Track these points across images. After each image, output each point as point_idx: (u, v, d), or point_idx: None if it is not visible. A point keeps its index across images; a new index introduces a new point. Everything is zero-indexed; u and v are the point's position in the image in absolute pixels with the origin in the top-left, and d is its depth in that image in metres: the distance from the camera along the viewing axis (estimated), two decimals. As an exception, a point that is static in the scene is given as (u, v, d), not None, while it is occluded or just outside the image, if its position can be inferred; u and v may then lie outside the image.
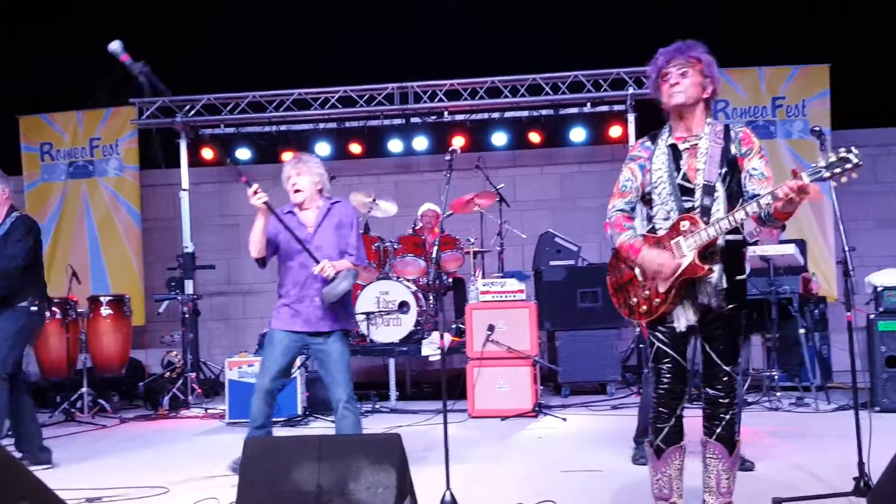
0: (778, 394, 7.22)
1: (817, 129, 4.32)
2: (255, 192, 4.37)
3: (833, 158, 3.15)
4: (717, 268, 3.39)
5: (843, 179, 3.17)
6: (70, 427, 7.38)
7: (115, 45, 4.22)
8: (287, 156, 10.09)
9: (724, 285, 3.40)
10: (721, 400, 3.50)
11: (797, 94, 9.47)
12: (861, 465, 4.04)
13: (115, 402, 8.33)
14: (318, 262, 4.44)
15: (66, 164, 10.19)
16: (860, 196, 9.64)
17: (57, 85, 10.42)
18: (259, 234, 4.48)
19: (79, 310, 8.21)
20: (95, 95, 10.40)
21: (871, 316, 6.81)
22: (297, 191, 4.59)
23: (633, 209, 3.56)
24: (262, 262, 4.60)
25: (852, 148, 3.16)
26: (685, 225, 3.36)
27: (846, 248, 4.15)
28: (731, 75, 9.43)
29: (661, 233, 3.44)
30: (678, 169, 3.44)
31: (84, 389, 7.84)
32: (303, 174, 4.58)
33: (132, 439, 6.83)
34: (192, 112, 9.72)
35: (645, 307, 3.48)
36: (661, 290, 3.41)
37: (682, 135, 3.49)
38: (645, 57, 3.58)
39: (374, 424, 6.78)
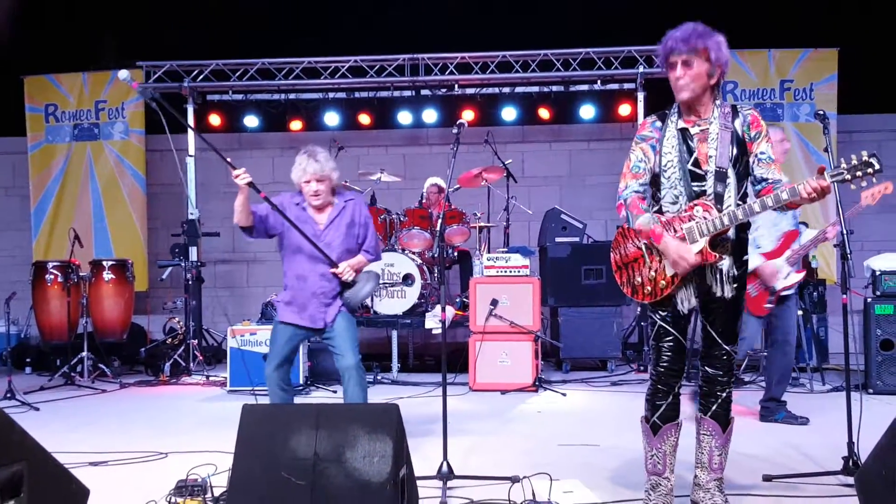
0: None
1: (821, 112, 4.37)
2: (241, 174, 4.26)
3: (856, 162, 3.23)
4: (727, 255, 3.42)
5: (864, 183, 3.27)
6: (70, 391, 7.42)
7: (123, 74, 4.42)
8: (295, 124, 10.09)
9: (735, 272, 3.45)
10: (719, 378, 3.54)
11: (805, 77, 9.46)
12: (850, 445, 4.09)
13: (116, 366, 8.37)
14: (331, 261, 4.41)
15: (71, 126, 10.16)
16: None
17: (63, 46, 10.36)
18: (241, 206, 4.36)
19: (80, 273, 8.21)
20: (102, 57, 10.34)
21: (869, 299, 6.84)
22: (316, 195, 4.50)
23: (645, 191, 3.54)
24: (248, 230, 4.50)
25: (875, 153, 3.25)
26: (699, 211, 3.36)
27: (844, 232, 4.19)
28: (741, 56, 9.38)
29: (668, 215, 3.44)
30: (689, 154, 3.42)
31: (84, 354, 7.88)
32: (324, 181, 4.49)
33: (132, 405, 6.86)
34: (200, 77, 9.67)
35: (649, 288, 3.48)
36: (670, 273, 3.41)
37: (692, 119, 3.47)
38: (657, 36, 3.54)
39: (375, 395, 6.79)
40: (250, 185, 4.29)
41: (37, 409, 6.44)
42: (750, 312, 5.33)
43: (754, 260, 5.12)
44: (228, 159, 4.40)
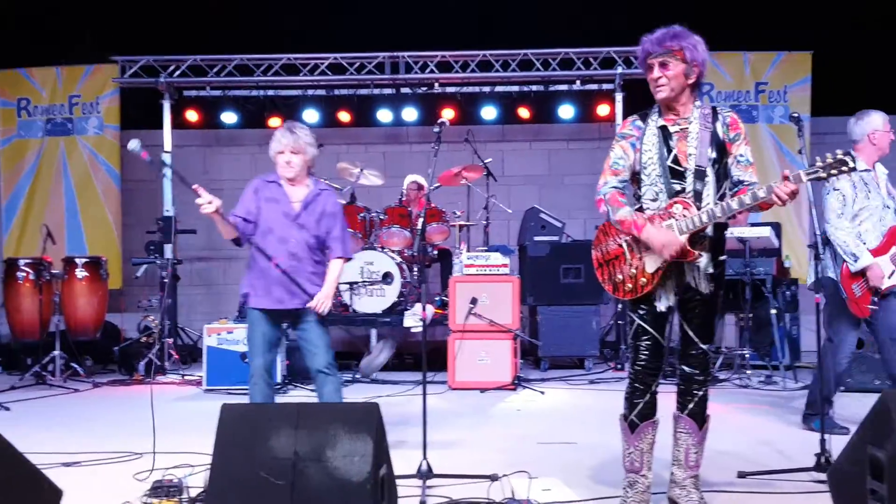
0: (748, 372, 7.36)
1: (795, 115, 4.45)
2: (204, 204, 4.13)
3: (830, 160, 3.29)
4: (705, 253, 3.45)
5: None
6: (41, 390, 7.29)
7: (133, 144, 4.17)
8: (274, 121, 10.02)
9: (711, 270, 3.48)
10: (696, 377, 3.59)
11: (780, 79, 9.59)
12: (823, 442, 4.14)
13: (89, 366, 8.25)
14: (307, 294, 4.34)
15: (44, 120, 10.02)
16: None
17: (36, 39, 10.23)
18: (220, 228, 4.34)
19: (53, 271, 8.06)
20: (76, 51, 10.21)
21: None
22: (289, 164, 4.43)
23: (625, 187, 3.57)
24: (237, 241, 4.46)
25: (850, 151, 3.36)
26: (678, 209, 3.40)
27: (817, 232, 4.26)
28: (716, 59, 9.47)
29: (648, 213, 3.48)
30: (669, 151, 3.46)
31: (56, 352, 7.72)
32: (298, 154, 4.43)
33: (105, 404, 6.77)
34: (177, 73, 9.58)
35: (630, 285, 3.51)
36: (650, 270, 3.45)
37: (672, 117, 3.52)
38: (635, 37, 3.59)
39: (354, 394, 6.77)
40: (217, 212, 4.17)
41: (7, 409, 6.34)
42: (851, 315, 5.07)
43: (864, 258, 4.95)
44: (195, 186, 4.15)
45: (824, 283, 5.13)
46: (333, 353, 4.48)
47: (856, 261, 4.96)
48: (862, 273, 4.97)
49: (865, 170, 5.06)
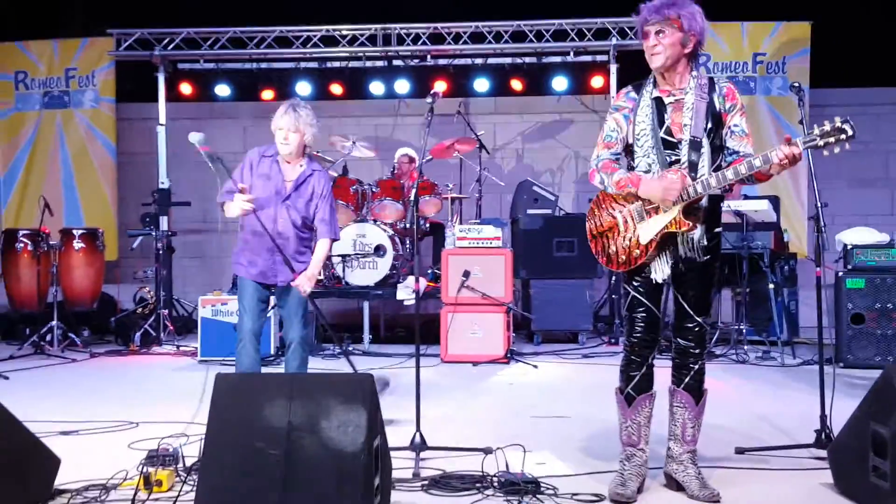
0: (745, 347, 7.30)
1: (796, 84, 4.32)
2: (244, 201, 4.35)
3: (828, 127, 3.22)
4: (699, 224, 3.43)
5: (836, 150, 3.25)
6: (39, 360, 7.34)
7: (196, 137, 4.36)
8: (267, 94, 10.00)
9: (706, 242, 3.46)
10: (692, 350, 3.55)
11: (778, 50, 9.45)
12: (823, 418, 4.12)
13: (86, 336, 8.29)
14: (291, 268, 4.44)
15: (41, 93, 9.99)
16: (834, 155, 9.67)
17: (33, 12, 10.15)
18: (240, 214, 4.46)
19: (51, 242, 8.09)
20: (72, 24, 10.15)
21: (840, 273, 6.86)
22: (286, 141, 4.50)
23: (617, 160, 3.55)
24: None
25: (848, 118, 3.22)
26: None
27: (819, 205, 4.14)
28: (714, 29, 9.33)
29: None
30: (661, 123, 3.44)
31: (54, 322, 7.76)
32: (297, 133, 4.49)
33: (102, 374, 6.82)
34: (171, 46, 9.54)
35: (624, 257, 3.49)
36: (643, 241, 3.43)
37: (667, 88, 3.48)
38: (630, 8, 3.56)
39: (347, 366, 6.79)
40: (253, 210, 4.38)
41: (6, 378, 6.38)
42: None
43: None
44: (241, 186, 4.39)
45: None
46: (306, 329, 4.61)
47: None
48: None
49: None
